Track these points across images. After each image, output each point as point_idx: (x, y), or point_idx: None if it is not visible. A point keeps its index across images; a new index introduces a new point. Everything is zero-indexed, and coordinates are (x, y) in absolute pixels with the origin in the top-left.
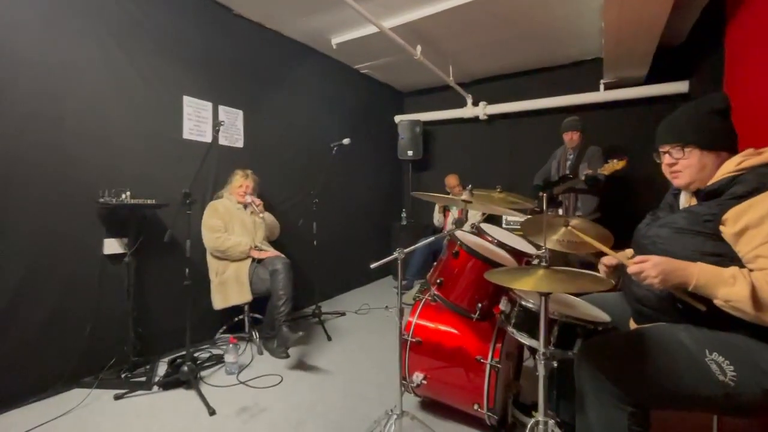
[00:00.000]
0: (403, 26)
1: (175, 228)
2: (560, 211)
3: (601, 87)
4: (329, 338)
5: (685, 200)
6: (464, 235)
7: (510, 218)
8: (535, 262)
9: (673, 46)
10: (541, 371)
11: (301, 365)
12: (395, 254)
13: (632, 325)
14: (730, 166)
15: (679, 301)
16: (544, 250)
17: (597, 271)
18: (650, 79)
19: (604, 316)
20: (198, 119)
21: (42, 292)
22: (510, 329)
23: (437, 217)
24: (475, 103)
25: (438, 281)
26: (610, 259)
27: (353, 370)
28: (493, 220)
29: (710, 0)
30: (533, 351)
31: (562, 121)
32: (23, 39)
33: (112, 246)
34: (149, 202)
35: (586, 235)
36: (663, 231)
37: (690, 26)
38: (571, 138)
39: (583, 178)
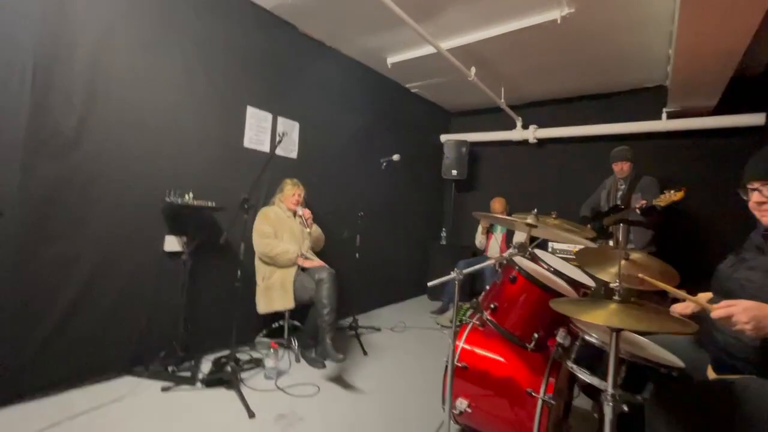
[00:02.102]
0: (459, 48)
1: (230, 231)
2: (610, 244)
3: (664, 116)
4: (365, 353)
5: None
6: (522, 261)
7: (556, 246)
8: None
9: (750, 76)
10: (608, 414)
11: (337, 378)
12: (453, 274)
13: (710, 374)
14: None
15: None
16: (617, 283)
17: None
18: (719, 109)
19: (678, 361)
20: (258, 129)
21: (109, 282)
22: (569, 364)
23: (479, 239)
24: (525, 126)
25: (492, 306)
26: (685, 308)
27: (390, 389)
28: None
29: None
30: (589, 390)
31: (614, 149)
32: (119, 54)
33: (172, 243)
34: (210, 204)
35: (649, 272)
36: (754, 275)
37: None
38: (621, 168)
39: (636, 208)
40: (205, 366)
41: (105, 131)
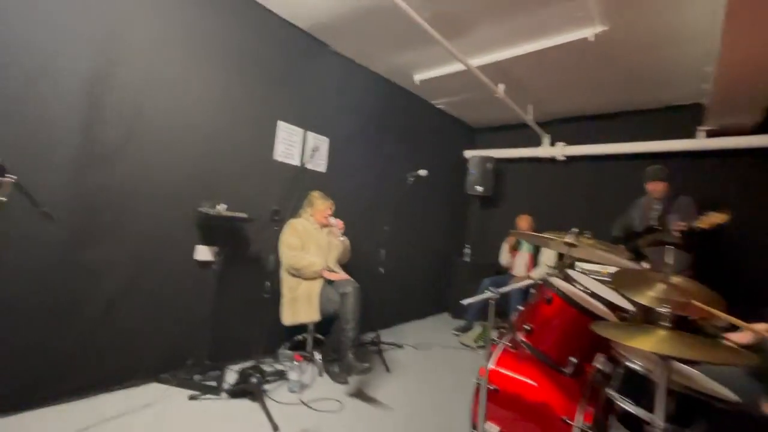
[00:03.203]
0: (488, 65)
1: (259, 242)
2: (645, 266)
3: (700, 134)
4: (388, 370)
5: None
6: (558, 281)
7: (585, 266)
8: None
9: None
10: None
11: (360, 394)
12: (488, 293)
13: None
14: None
15: None
16: (665, 308)
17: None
18: (763, 128)
19: (730, 394)
20: (289, 143)
21: (141, 290)
22: (611, 393)
23: (505, 257)
24: (553, 143)
25: (527, 327)
26: (743, 337)
27: (414, 408)
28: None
29: None
30: (628, 422)
31: (647, 167)
32: (161, 69)
33: (203, 253)
34: (241, 215)
35: (693, 298)
36: None
37: None
38: (655, 188)
39: (676, 230)
40: (230, 376)
41: (146, 144)
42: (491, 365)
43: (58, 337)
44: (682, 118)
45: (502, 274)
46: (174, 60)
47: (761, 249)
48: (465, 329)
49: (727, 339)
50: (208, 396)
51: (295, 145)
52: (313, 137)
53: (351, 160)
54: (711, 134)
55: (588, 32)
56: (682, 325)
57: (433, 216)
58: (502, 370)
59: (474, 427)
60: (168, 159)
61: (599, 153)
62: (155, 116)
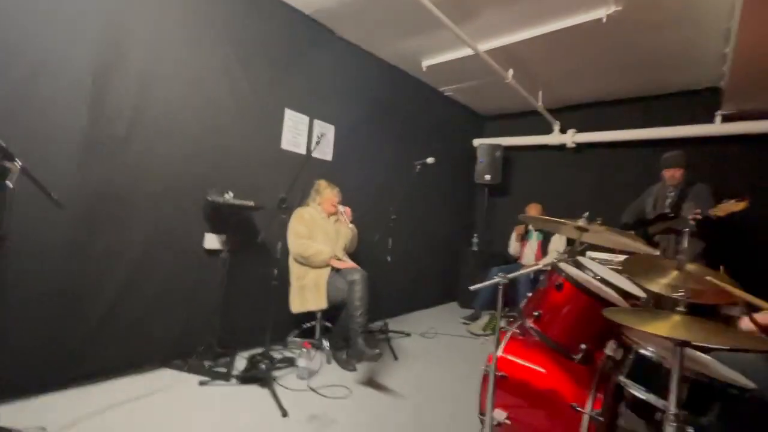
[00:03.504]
0: (497, 50)
1: (268, 230)
2: (656, 253)
3: (717, 119)
4: (396, 358)
5: None
6: (569, 267)
7: (594, 254)
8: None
9: None
10: None
11: (369, 381)
12: (497, 279)
13: None
14: None
15: None
16: (683, 293)
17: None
18: None
19: (747, 381)
20: (296, 131)
21: (151, 277)
22: (622, 379)
23: (513, 246)
24: (563, 131)
25: (536, 314)
26: (766, 317)
27: (422, 396)
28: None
29: None
30: (639, 409)
31: (661, 154)
32: (166, 58)
33: (212, 241)
34: (249, 203)
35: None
36: None
37: None
38: (672, 175)
39: (692, 218)
40: (240, 362)
41: (152, 133)
42: (499, 352)
43: (69, 323)
44: (698, 102)
45: (511, 263)
46: (178, 48)
47: None
48: (473, 318)
49: (752, 319)
50: (218, 382)
51: (302, 133)
52: (319, 125)
53: (357, 149)
54: (728, 119)
55: (600, 13)
56: (698, 311)
57: (441, 205)
58: (511, 357)
59: (482, 414)
60: (175, 148)
61: (611, 140)
62: (160, 106)
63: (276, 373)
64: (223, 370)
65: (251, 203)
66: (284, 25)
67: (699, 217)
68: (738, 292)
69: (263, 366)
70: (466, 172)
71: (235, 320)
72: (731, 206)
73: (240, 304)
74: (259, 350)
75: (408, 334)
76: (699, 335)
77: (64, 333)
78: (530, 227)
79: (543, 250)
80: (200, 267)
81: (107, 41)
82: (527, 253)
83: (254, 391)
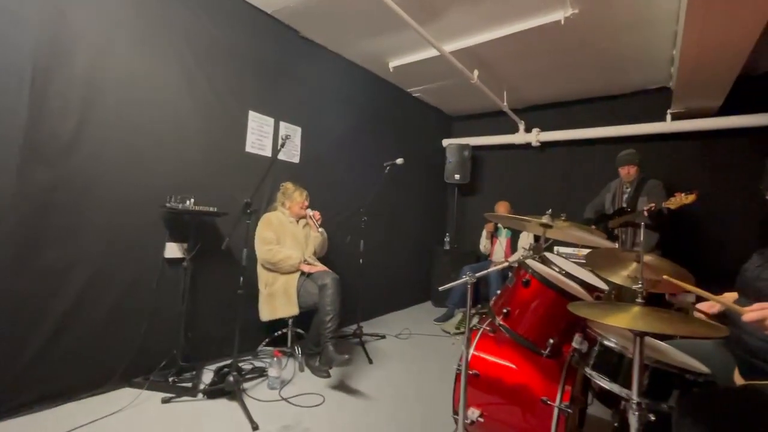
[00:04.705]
0: (462, 50)
1: (232, 237)
2: (615, 246)
3: (668, 117)
4: (370, 361)
5: None
6: (534, 264)
7: (561, 249)
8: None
9: (755, 76)
10: (633, 424)
11: (343, 387)
12: (465, 278)
13: (738, 379)
14: None
15: None
16: (640, 285)
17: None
18: (725, 110)
19: (701, 366)
20: (260, 134)
21: (106, 291)
22: (588, 371)
23: (484, 244)
24: (528, 130)
25: (504, 311)
26: (712, 306)
27: (397, 398)
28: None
29: None
30: (605, 398)
31: (620, 151)
32: (118, 57)
33: (172, 250)
34: (211, 209)
35: (664, 274)
36: None
37: None
38: (627, 172)
39: (644, 211)
40: (207, 376)
41: (103, 135)
42: (471, 350)
43: (16, 346)
44: (652, 102)
45: (482, 261)
46: (129, 47)
47: (727, 226)
48: (446, 317)
49: (698, 310)
50: (183, 398)
51: (267, 136)
52: (285, 127)
53: (325, 150)
54: (678, 117)
55: (559, 15)
56: (655, 301)
57: (412, 205)
58: (482, 355)
59: (455, 413)
60: (129, 153)
61: (573, 138)
62: (110, 107)
63: (246, 385)
64: (189, 384)
65: (214, 209)
66: (246, 25)
67: (653, 210)
68: (688, 287)
69: (231, 378)
70: (436, 172)
71: (200, 332)
72: (682, 199)
73: (205, 314)
74: (227, 362)
75: (383, 337)
76: (657, 325)
77: (8, 357)
78: (500, 225)
79: (512, 247)
80: (161, 278)
81: (49, 36)
82: (497, 251)
83: (222, 404)
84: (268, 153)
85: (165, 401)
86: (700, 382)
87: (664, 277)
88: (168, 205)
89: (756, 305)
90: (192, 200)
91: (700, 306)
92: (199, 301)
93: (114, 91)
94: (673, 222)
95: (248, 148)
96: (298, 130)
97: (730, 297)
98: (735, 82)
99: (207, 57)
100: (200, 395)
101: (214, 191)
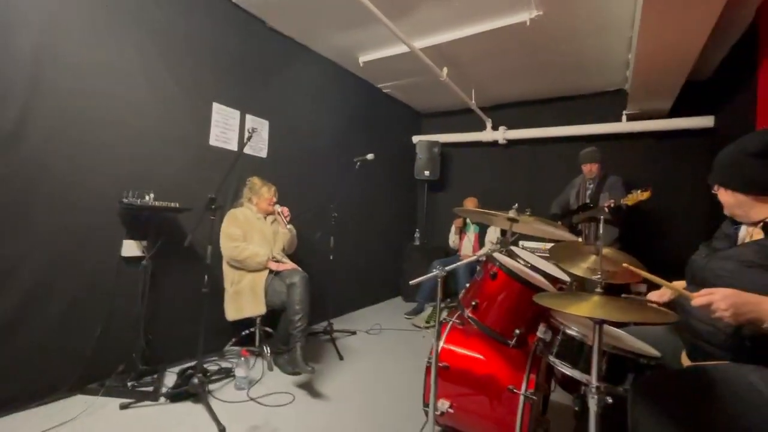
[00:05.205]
0: (432, 47)
1: (196, 234)
2: (579, 240)
3: (624, 118)
4: (341, 358)
5: (745, 233)
6: (502, 257)
7: (527, 244)
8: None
9: (700, 81)
10: (592, 407)
11: (313, 385)
12: (435, 271)
13: (685, 361)
14: None
15: (747, 338)
16: (600, 275)
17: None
18: (673, 112)
19: (654, 351)
20: (225, 126)
21: (57, 292)
22: (551, 359)
23: (453, 239)
24: (495, 128)
25: (473, 303)
26: (664, 294)
27: (368, 393)
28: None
29: (741, 37)
30: (567, 384)
31: (582, 149)
32: (67, 41)
33: (130, 248)
34: (173, 205)
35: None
36: (729, 264)
37: (718, 62)
38: (590, 169)
39: (606, 207)
40: (170, 379)
41: (52, 125)
42: (441, 343)
43: None
44: (610, 102)
45: (451, 255)
46: (81, 32)
47: (677, 220)
48: (417, 311)
49: (649, 299)
50: (143, 403)
51: (233, 129)
52: (251, 120)
53: (294, 145)
54: (633, 118)
55: (524, 16)
56: (612, 291)
57: (382, 201)
58: (452, 347)
59: (426, 405)
60: (82, 145)
61: (537, 136)
62: (60, 96)
63: (212, 386)
64: (149, 388)
65: (176, 204)
66: (209, 14)
67: (612, 205)
68: (644, 274)
69: (196, 380)
70: (406, 169)
71: (162, 333)
72: (638, 196)
73: (167, 315)
74: (191, 363)
75: (353, 333)
76: (614, 313)
77: None
78: (468, 221)
79: (480, 242)
80: (118, 277)
81: None
82: (466, 246)
83: (187, 407)
84: (233, 147)
85: (123, 407)
86: (652, 365)
87: (624, 264)
88: (125, 200)
89: (703, 291)
90: (152, 195)
91: (651, 295)
92: (160, 302)
93: (64, 77)
94: (631, 217)
95: (212, 141)
96: (266, 123)
97: (679, 285)
98: (683, 87)
99: (167, 45)
100: (162, 399)
101: (176, 186)
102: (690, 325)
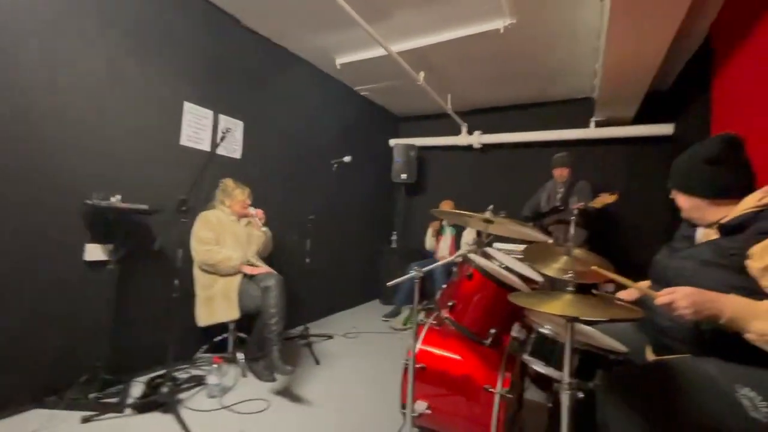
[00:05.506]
0: (409, 51)
1: (166, 236)
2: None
3: (592, 124)
4: (317, 362)
5: (702, 234)
6: (477, 258)
7: (500, 246)
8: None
9: (660, 91)
10: (564, 402)
11: (288, 390)
12: (412, 273)
13: (650, 356)
14: (751, 201)
15: (705, 332)
16: (571, 275)
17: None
18: (637, 120)
19: (621, 346)
20: (197, 126)
21: (11, 300)
22: (526, 357)
23: (429, 241)
24: (470, 132)
25: (450, 304)
26: (631, 293)
27: (345, 397)
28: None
29: (697, 50)
30: (540, 382)
31: (553, 154)
32: (27, 34)
33: (94, 252)
34: (141, 207)
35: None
36: (688, 263)
37: (676, 74)
38: (560, 174)
39: (575, 210)
40: (137, 389)
41: (9, 122)
42: (419, 344)
43: None
44: (579, 110)
45: (428, 258)
46: (42, 25)
47: (641, 222)
48: (394, 314)
49: (618, 298)
50: (107, 415)
51: (205, 129)
52: (225, 120)
53: (270, 146)
54: (601, 124)
55: (499, 24)
56: (583, 290)
57: (359, 204)
58: (429, 348)
59: (403, 407)
60: (41, 142)
61: (511, 141)
62: (17, 93)
63: (182, 395)
64: (115, 400)
65: (144, 207)
66: (181, 10)
67: (581, 208)
68: (611, 275)
69: (165, 389)
70: (383, 172)
71: (128, 341)
72: (605, 199)
73: (134, 322)
74: (160, 372)
75: (330, 337)
76: (585, 311)
77: None
78: (444, 223)
79: (456, 244)
80: (80, 283)
81: None
82: (442, 248)
83: (155, 419)
84: (206, 147)
85: (85, 420)
86: (620, 361)
87: (593, 267)
88: (90, 202)
89: (665, 290)
90: (119, 197)
91: (621, 293)
92: (127, 308)
93: (24, 74)
94: (598, 219)
95: (183, 141)
96: (240, 124)
97: (644, 285)
98: (646, 96)
99: (136, 41)
100: (128, 410)
101: (145, 187)
102: (654, 321)
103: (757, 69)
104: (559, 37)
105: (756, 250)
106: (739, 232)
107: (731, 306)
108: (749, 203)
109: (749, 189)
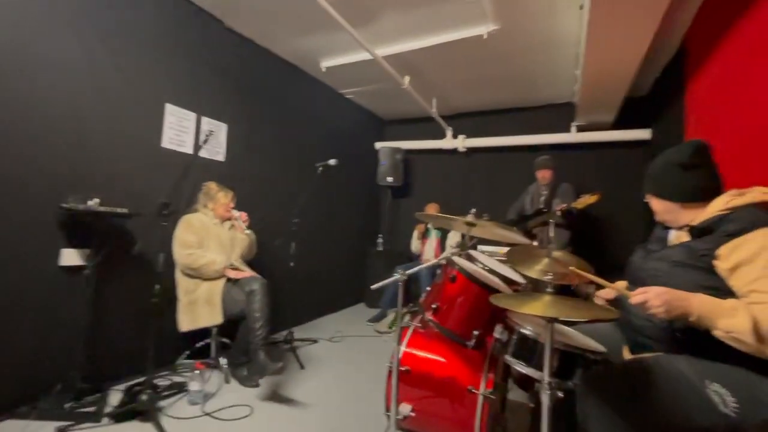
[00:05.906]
0: (394, 56)
1: (146, 240)
2: (534, 244)
3: (573, 129)
4: (302, 367)
5: (674, 236)
6: (461, 261)
7: (484, 248)
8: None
9: (637, 98)
10: (545, 402)
11: (273, 396)
12: (396, 275)
13: (626, 354)
14: (719, 204)
15: (678, 331)
16: (550, 276)
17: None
18: (616, 125)
19: (600, 346)
20: (180, 129)
21: None
22: (508, 358)
23: (415, 244)
24: (455, 136)
25: (433, 306)
26: (609, 293)
27: (330, 402)
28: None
29: (672, 59)
30: (522, 383)
31: (535, 158)
32: (0, 34)
33: (70, 257)
34: (120, 210)
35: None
36: (661, 264)
37: (652, 81)
38: (543, 176)
39: (557, 211)
40: (115, 398)
41: None
42: (403, 347)
43: None
44: (560, 114)
45: (414, 261)
46: (16, 24)
47: (621, 225)
48: (380, 317)
49: (598, 297)
50: (83, 425)
51: (188, 131)
52: (208, 123)
53: (254, 149)
54: (581, 129)
55: (482, 30)
56: (563, 291)
57: (345, 207)
58: (413, 351)
59: (388, 410)
60: (15, 145)
61: (495, 145)
62: None
63: (162, 403)
64: (91, 409)
65: (124, 210)
66: (162, 11)
67: (563, 209)
68: (589, 276)
69: (145, 397)
70: (369, 175)
71: (106, 348)
72: (587, 199)
73: (112, 328)
74: (140, 379)
75: (315, 341)
76: (564, 311)
77: None
78: (430, 226)
79: (442, 247)
80: (55, 289)
81: None
82: (427, 251)
83: (134, 428)
84: (188, 149)
85: (60, 431)
86: (598, 360)
87: (571, 268)
88: (65, 205)
89: (639, 290)
90: (97, 200)
91: (600, 293)
92: (105, 314)
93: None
94: (581, 221)
95: (165, 144)
96: (224, 126)
97: (621, 285)
98: (624, 102)
99: (115, 40)
100: (105, 420)
101: (125, 190)
102: (630, 321)
103: (726, 75)
104: (540, 44)
105: (723, 251)
106: (708, 234)
107: (699, 304)
108: (717, 206)
109: (717, 192)
